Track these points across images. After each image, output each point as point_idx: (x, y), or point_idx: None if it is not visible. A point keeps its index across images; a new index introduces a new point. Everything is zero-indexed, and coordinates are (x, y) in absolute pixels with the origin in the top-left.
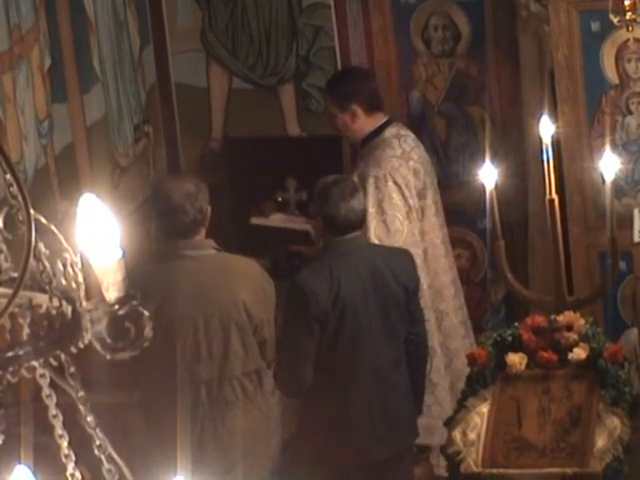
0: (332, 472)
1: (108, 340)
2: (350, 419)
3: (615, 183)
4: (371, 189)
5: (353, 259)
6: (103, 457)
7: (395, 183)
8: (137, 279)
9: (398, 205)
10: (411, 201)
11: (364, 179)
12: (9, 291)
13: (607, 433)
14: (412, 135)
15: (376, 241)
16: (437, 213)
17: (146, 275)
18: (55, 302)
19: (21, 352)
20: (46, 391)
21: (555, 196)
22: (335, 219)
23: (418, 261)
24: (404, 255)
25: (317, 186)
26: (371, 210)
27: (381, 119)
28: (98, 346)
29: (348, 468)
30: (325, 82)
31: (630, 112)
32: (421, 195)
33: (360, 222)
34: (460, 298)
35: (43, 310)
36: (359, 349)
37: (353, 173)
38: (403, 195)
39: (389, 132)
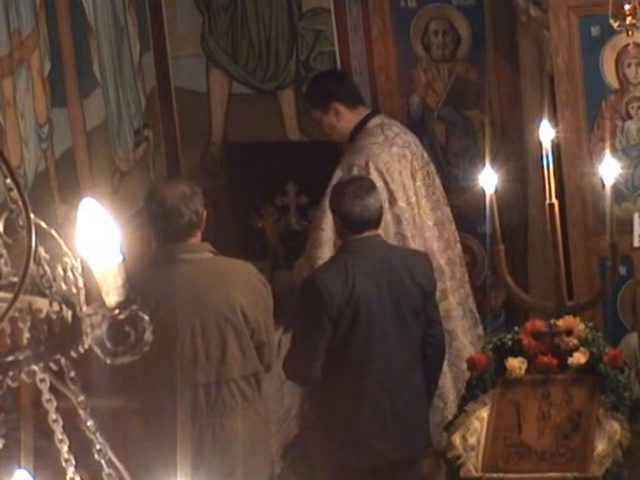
0: (342, 471)
1: (108, 345)
2: (361, 419)
3: (615, 188)
4: None
5: (369, 258)
6: (103, 462)
7: (377, 169)
8: (135, 284)
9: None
10: (393, 186)
11: (349, 168)
12: (9, 296)
13: (607, 438)
14: (397, 123)
15: None
16: (428, 196)
17: (143, 279)
18: (55, 306)
19: (21, 356)
20: (46, 395)
21: (555, 201)
22: (350, 217)
23: (405, 243)
24: (421, 257)
25: (334, 185)
26: None
27: (364, 112)
28: (98, 351)
29: (358, 468)
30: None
31: (630, 117)
32: (411, 178)
33: (376, 221)
34: (456, 279)
35: (43, 314)
36: (372, 348)
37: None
38: (385, 181)
39: (373, 122)
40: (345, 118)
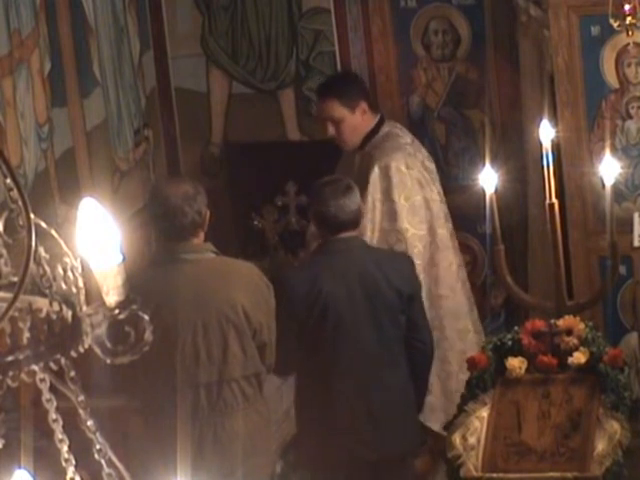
0: (324, 472)
1: (108, 344)
2: (334, 420)
3: (615, 187)
4: (395, 178)
5: (342, 259)
6: (103, 461)
7: (418, 169)
8: (136, 283)
9: (422, 190)
10: (433, 186)
11: (386, 170)
12: (9, 295)
13: (607, 437)
14: None
15: (409, 228)
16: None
17: (145, 279)
18: (55, 306)
19: (21, 356)
20: (46, 395)
21: (555, 200)
22: (325, 217)
23: (447, 238)
24: (402, 259)
25: (313, 186)
26: (398, 199)
27: (377, 116)
28: (98, 350)
29: (338, 468)
30: (322, 91)
31: (630, 116)
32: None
33: (352, 222)
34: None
35: (43, 314)
36: (342, 347)
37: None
38: (425, 178)
39: (387, 126)
40: (368, 119)
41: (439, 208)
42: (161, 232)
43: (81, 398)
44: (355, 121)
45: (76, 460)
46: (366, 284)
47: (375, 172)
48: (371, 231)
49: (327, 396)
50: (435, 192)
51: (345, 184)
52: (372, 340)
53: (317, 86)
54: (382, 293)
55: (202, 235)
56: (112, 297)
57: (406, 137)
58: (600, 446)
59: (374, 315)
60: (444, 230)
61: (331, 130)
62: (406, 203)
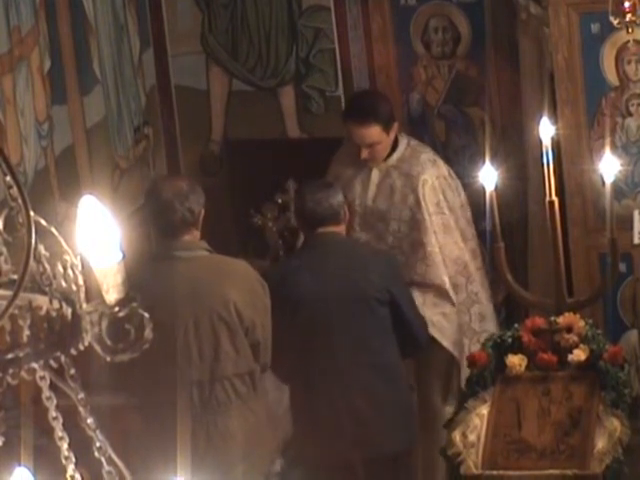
0: (316, 471)
1: (108, 342)
2: (316, 420)
3: (615, 185)
4: (447, 189)
5: (319, 254)
6: (103, 459)
7: (454, 176)
8: (133, 279)
9: (459, 197)
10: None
11: (432, 181)
12: (9, 293)
13: (607, 435)
14: None
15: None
16: None
17: (141, 275)
18: (55, 304)
19: (21, 354)
20: (46, 393)
21: (555, 198)
22: (303, 212)
23: (476, 244)
24: (383, 256)
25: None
26: (457, 206)
27: None
28: (98, 348)
29: (329, 468)
30: (364, 119)
31: (630, 114)
32: None
33: (331, 217)
34: None
35: (43, 312)
36: (318, 345)
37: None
38: (459, 186)
39: (404, 138)
40: (394, 135)
41: (469, 214)
42: (155, 228)
43: (81, 396)
44: (389, 141)
45: (76, 458)
46: (341, 280)
47: (426, 191)
48: (431, 246)
49: (311, 396)
50: (465, 198)
51: (325, 182)
52: (351, 339)
53: (351, 111)
54: (359, 290)
55: (196, 233)
56: (112, 295)
57: (430, 149)
58: (600, 443)
59: (353, 314)
60: (473, 236)
61: (365, 153)
62: (463, 213)
